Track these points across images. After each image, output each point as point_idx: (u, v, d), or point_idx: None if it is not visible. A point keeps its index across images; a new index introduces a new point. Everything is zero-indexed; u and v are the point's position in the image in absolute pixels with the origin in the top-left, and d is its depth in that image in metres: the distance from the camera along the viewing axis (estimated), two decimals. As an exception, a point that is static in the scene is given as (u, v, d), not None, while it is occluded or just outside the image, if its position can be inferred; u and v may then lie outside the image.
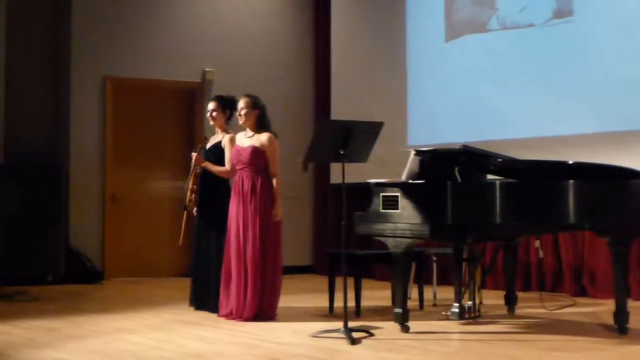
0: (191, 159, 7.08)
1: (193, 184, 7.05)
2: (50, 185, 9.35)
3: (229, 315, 6.58)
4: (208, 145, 7.19)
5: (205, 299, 7.02)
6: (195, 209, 7.10)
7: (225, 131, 7.15)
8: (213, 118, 7.17)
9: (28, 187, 8.37)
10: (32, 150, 9.67)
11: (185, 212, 7.13)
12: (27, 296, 8.08)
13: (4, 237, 8.07)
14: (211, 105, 7.21)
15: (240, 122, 6.76)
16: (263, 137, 6.63)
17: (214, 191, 7.02)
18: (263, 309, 6.54)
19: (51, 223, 9.27)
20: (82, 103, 9.87)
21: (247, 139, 6.70)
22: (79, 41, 9.86)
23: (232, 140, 6.92)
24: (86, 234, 9.78)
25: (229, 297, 6.62)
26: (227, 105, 7.13)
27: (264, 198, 6.57)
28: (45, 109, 9.95)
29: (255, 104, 6.71)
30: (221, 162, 7.03)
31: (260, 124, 6.70)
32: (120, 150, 10.05)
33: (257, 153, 6.59)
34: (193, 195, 7.05)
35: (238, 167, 6.69)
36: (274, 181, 6.62)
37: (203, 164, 7.01)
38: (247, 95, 6.75)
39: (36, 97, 9.91)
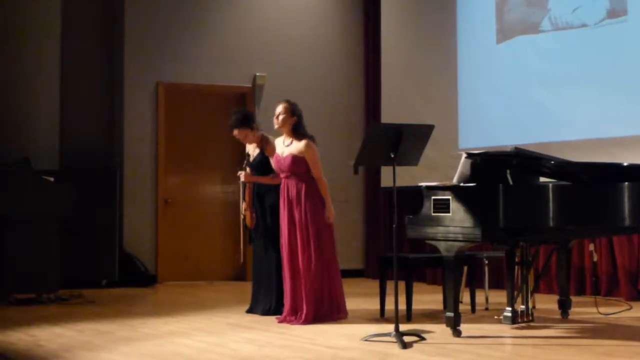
0: (239, 177, 7.14)
1: (249, 202, 7.14)
2: (105, 190, 9.50)
3: (286, 320, 6.60)
4: (251, 159, 7.24)
5: (264, 304, 7.08)
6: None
7: (260, 141, 7.22)
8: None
9: (83, 191, 8.49)
10: (87, 156, 9.84)
11: (243, 230, 7.27)
12: (81, 299, 8.20)
13: (59, 241, 8.20)
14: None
15: (276, 126, 6.75)
16: (301, 145, 6.63)
17: (265, 200, 7.12)
18: (322, 313, 6.56)
19: (105, 227, 9.42)
20: (135, 109, 10.00)
21: (286, 148, 6.71)
22: (131, 48, 10.00)
23: (271, 144, 7.02)
24: (139, 238, 9.90)
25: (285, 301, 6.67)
26: (249, 123, 7.24)
27: (311, 202, 6.59)
28: (100, 115, 10.12)
29: (293, 111, 6.70)
30: (269, 170, 7.08)
31: (295, 131, 6.69)
32: (173, 155, 10.15)
33: (296, 161, 6.61)
34: (253, 214, 7.15)
35: (282, 176, 6.72)
36: (320, 185, 6.62)
37: (254, 180, 7.11)
38: (287, 101, 6.76)
39: (90, 103, 10.09)
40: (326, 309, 6.60)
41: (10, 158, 8.69)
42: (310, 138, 6.67)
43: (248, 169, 7.17)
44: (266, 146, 7.13)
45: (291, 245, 6.61)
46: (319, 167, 6.64)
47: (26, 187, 8.13)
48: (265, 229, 7.13)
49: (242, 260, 7.49)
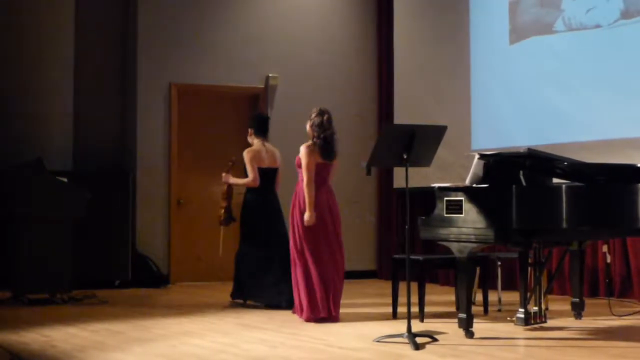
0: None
1: (222, 200, 8.10)
2: (118, 191, 9.53)
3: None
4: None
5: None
6: (231, 222, 8.12)
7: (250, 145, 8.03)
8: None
9: (96, 193, 8.52)
10: (100, 157, 9.88)
11: (221, 227, 8.21)
12: (95, 300, 8.23)
13: (73, 241, 8.23)
14: None
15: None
16: (300, 148, 6.93)
17: (244, 200, 7.97)
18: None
19: (118, 228, 9.45)
20: (148, 110, 10.03)
21: None
22: (145, 49, 10.03)
23: (248, 152, 7.84)
24: (152, 238, 9.92)
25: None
26: (249, 123, 8.15)
27: (299, 202, 6.88)
28: (113, 116, 10.15)
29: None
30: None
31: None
32: (186, 155, 10.17)
33: (297, 162, 6.93)
34: (222, 211, 8.07)
35: None
36: (304, 187, 6.83)
37: (230, 181, 8.01)
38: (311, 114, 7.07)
39: (104, 104, 10.12)
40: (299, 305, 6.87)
41: (24, 159, 8.72)
42: (314, 142, 6.87)
43: (229, 174, 8.04)
44: (245, 156, 7.88)
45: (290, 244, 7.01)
46: (304, 170, 6.81)
47: (40, 188, 8.16)
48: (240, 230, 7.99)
49: (219, 254, 8.38)
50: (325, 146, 6.86)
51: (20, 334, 6.16)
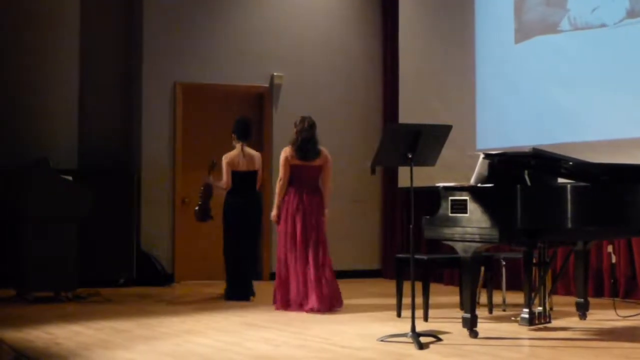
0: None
1: (198, 198, 8.62)
2: (122, 190, 9.54)
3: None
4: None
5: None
6: (207, 219, 8.65)
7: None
8: None
9: (101, 191, 8.55)
10: (105, 156, 9.88)
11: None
12: (99, 298, 8.24)
13: (77, 240, 8.24)
14: None
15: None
16: None
17: (224, 201, 8.41)
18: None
19: (123, 227, 9.46)
20: (153, 109, 10.04)
21: None
22: (149, 48, 10.04)
23: (225, 158, 8.25)
24: (157, 237, 9.93)
25: None
26: (232, 128, 8.45)
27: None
28: (118, 115, 10.17)
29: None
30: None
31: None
32: (190, 154, 10.17)
33: None
34: (196, 208, 8.64)
35: None
36: None
37: (209, 183, 8.48)
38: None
39: (109, 103, 10.13)
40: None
41: (30, 158, 8.74)
42: (291, 145, 7.46)
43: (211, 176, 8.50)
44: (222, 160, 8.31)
45: None
46: (280, 170, 7.49)
47: (45, 187, 8.17)
48: None
49: None
50: (301, 146, 7.39)
51: (25, 332, 6.17)
